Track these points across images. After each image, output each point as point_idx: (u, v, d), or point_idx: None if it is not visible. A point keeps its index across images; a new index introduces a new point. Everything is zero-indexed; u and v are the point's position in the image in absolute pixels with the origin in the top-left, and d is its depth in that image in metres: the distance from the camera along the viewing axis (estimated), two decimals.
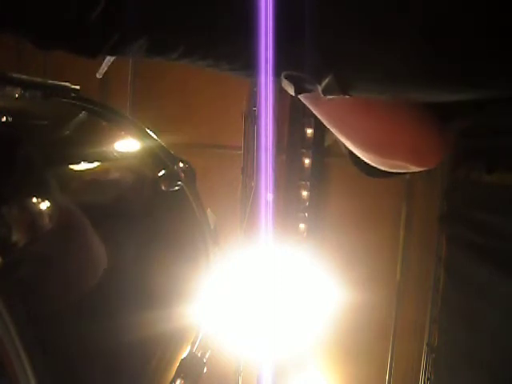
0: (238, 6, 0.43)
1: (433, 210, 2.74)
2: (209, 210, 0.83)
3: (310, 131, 3.31)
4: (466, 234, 0.60)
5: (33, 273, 0.43)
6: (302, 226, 3.43)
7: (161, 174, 0.71)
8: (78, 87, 0.82)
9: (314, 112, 0.61)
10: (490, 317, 0.56)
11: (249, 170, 3.32)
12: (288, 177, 3.40)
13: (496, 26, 0.42)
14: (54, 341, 0.44)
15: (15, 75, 0.70)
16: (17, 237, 0.39)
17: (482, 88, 0.47)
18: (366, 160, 0.66)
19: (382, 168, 0.67)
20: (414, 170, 0.67)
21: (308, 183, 3.41)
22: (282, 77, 0.47)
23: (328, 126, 0.63)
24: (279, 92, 0.54)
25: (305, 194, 3.42)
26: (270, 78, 0.47)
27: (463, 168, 0.61)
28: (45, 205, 0.43)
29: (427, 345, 3.11)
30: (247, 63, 0.47)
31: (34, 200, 0.43)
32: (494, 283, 0.56)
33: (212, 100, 3.39)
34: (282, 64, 0.46)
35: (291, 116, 3.27)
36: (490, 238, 0.56)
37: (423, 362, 3.17)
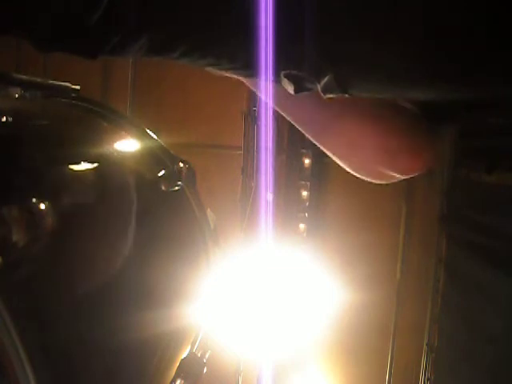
0: (237, 4, 0.43)
1: (433, 210, 2.74)
2: (209, 210, 0.83)
3: None
4: (466, 233, 0.60)
5: (33, 273, 0.43)
6: (302, 226, 3.43)
7: (161, 174, 0.71)
8: (78, 87, 0.82)
9: (285, 115, 0.61)
10: (490, 317, 0.56)
11: (249, 170, 3.32)
12: (288, 177, 3.40)
13: (496, 26, 0.42)
14: (55, 341, 0.44)
15: (15, 75, 0.70)
16: (17, 237, 0.39)
17: (482, 88, 0.47)
18: (346, 168, 0.66)
19: (361, 176, 0.66)
20: (393, 178, 0.66)
21: (308, 183, 3.41)
22: (282, 76, 0.47)
23: (300, 128, 0.64)
24: None
25: (305, 194, 3.42)
26: (270, 78, 0.47)
27: (463, 168, 0.61)
28: (45, 205, 0.43)
29: (427, 345, 3.11)
30: (247, 62, 0.47)
31: (34, 200, 0.43)
32: (494, 283, 0.56)
33: (212, 100, 3.39)
34: (282, 63, 0.46)
35: None
36: (490, 238, 0.56)
37: (423, 362, 3.17)
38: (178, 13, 0.43)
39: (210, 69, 0.49)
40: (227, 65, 0.48)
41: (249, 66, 0.47)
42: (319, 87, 0.47)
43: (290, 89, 0.48)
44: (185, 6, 0.43)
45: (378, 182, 0.67)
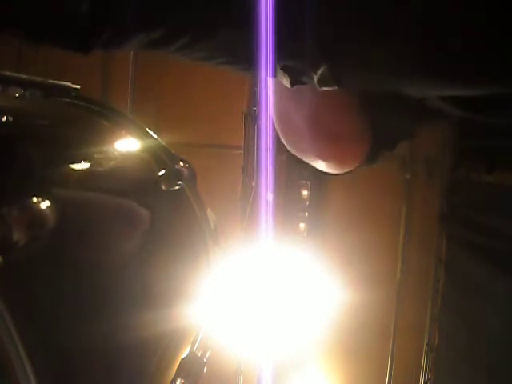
0: (237, 4, 0.43)
1: (433, 210, 2.74)
2: (209, 210, 0.83)
3: None
4: (466, 233, 0.60)
5: (33, 272, 0.43)
6: (302, 225, 3.43)
7: (161, 173, 0.71)
8: (78, 87, 0.82)
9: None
10: (490, 317, 0.56)
11: (249, 169, 3.32)
12: (288, 176, 3.40)
13: (496, 26, 0.42)
14: (55, 341, 0.44)
15: (15, 75, 0.70)
16: (17, 236, 0.39)
17: (482, 88, 0.47)
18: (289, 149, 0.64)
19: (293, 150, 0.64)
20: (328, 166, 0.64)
21: (308, 182, 3.41)
22: (279, 68, 0.47)
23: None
24: None
25: (305, 193, 3.42)
26: (270, 75, 0.47)
27: (463, 168, 0.61)
28: (45, 204, 0.43)
29: (427, 345, 3.11)
30: (246, 57, 0.46)
31: (34, 200, 0.43)
32: (493, 283, 0.56)
33: (212, 99, 3.39)
34: (281, 59, 0.46)
35: None
36: (490, 238, 0.56)
37: (423, 362, 3.17)
38: (177, 8, 0.43)
39: (208, 63, 0.49)
40: (225, 58, 0.48)
41: (247, 61, 0.47)
42: (315, 78, 0.47)
43: (286, 81, 0.48)
44: (184, 2, 0.43)
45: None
